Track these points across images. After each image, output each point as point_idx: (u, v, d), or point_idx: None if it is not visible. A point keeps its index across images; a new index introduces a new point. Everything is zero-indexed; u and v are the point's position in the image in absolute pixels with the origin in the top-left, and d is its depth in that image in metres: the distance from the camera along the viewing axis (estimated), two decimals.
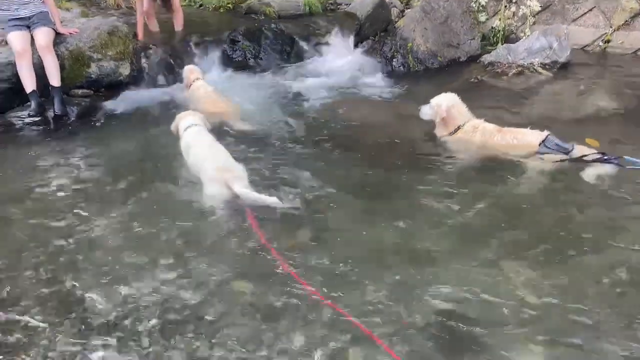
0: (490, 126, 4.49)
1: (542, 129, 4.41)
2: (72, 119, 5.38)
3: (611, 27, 7.45)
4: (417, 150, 4.72)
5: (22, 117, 5.29)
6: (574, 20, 7.63)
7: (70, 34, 5.70)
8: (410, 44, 6.95)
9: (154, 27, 7.06)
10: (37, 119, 5.25)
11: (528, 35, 7.43)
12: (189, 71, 5.86)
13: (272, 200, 3.67)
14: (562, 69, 6.64)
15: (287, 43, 7.33)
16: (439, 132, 4.73)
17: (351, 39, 7.57)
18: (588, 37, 7.50)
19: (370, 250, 3.37)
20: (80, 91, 5.68)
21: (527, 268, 3.16)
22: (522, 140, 4.33)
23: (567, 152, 4.19)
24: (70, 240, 3.50)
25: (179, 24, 7.11)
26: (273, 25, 7.39)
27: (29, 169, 4.50)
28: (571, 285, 2.99)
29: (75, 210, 3.84)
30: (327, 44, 7.46)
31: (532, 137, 4.32)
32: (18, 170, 4.47)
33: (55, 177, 4.37)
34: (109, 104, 5.73)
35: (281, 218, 3.70)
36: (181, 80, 6.16)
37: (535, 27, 7.68)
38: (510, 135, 4.38)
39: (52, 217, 3.77)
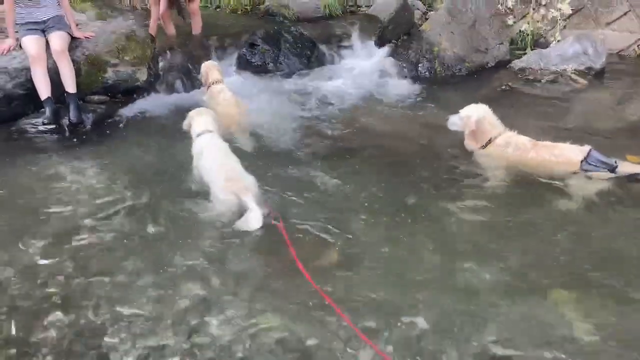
0: (524, 140, 4.18)
1: (580, 142, 4.13)
2: (88, 126, 5.18)
3: None
4: (448, 165, 4.46)
5: (36, 124, 5.10)
6: (607, 24, 7.32)
7: (86, 37, 5.50)
8: (436, 49, 6.68)
9: (171, 30, 6.88)
10: (51, 126, 5.06)
11: (559, 40, 7.15)
12: (208, 68, 5.58)
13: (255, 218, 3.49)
14: (597, 76, 6.33)
15: (307, 47, 7.12)
16: (469, 144, 4.45)
17: (373, 43, 7.35)
18: (622, 42, 7.19)
19: (406, 277, 3.14)
20: (96, 97, 5.46)
21: (580, 300, 2.92)
22: (560, 157, 4.03)
23: (612, 169, 3.90)
24: (86, 260, 3.30)
25: (196, 28, 6.92)
26: (293, 28, 7.18)
27: (43, 178, 4.31)
28: (630, 318, 2.74)
29: (90, 227, 3.65)
30: (348, 47, 7.25)
31: (572, 153, 4.01)
32: (32, 181, 4.28)
33: (70, 189, 4.19)
34: (125, 111, 5.54)
35: (308, 237, 3.49)
36: (199, 86, 5.97)
37: (566, 32, 7.37)
38: (546, 150, 4.08)
39: (67, 233, 3.58)
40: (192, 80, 6.21)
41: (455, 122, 4.50)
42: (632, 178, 3.82)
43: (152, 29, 6.39)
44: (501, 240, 3.46)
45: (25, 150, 4.77)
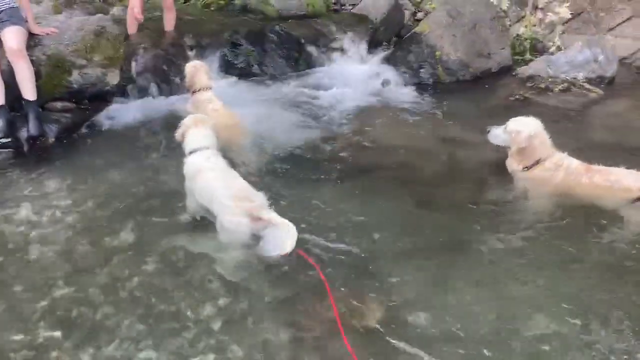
0: (576, 163, 3.72)
1: (613, 161, 3.70)
2: (51, 140, 4.44)
3: None
4: (481, 187, 3.97)
5: None
6: (609, 30, 7.01)
7: (47, 34, 4.73)
8: (438, 53, 6.16)
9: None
10: (6, 140, 4.27)
11: (558, 46, 6.82)
12: (195, 70, 4.78)
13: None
14: (609, 85, 5.98)
15: (294, 48, 6.49)
16: (512, 164, 3.94)
17: (365, 45, 6.77)
18: (625, 49, 6.86)
19: (460, 339, 2.58)
20: (59, 104, 4.71)
21: None
22: (616, 183, 3.57)
23: None
24: (62, 327, 2.58)
25: (169, 25, 6.14)
26: (277, 27, 6.52)
27: None
28: None
29: (64, 276, 2.93)
30: (338, 49, 6.64)
31: (630, 180, 3.55)
32: None
33: (30, 221, 3.44)
34: (94, 120, 4.82)
35: (341, 285, 2.89)
36: (178, 92, 5.25)
37: (565, 37, 7.03)
38: (600, 176, 3.62)
39: (30, 286, 2.86)
40: (169, 84, 5.47)
41: (499, 136, 3.97)
42: None
43: (130, 24, 5.58)
44: (561, 286, 2.95)
45: None
